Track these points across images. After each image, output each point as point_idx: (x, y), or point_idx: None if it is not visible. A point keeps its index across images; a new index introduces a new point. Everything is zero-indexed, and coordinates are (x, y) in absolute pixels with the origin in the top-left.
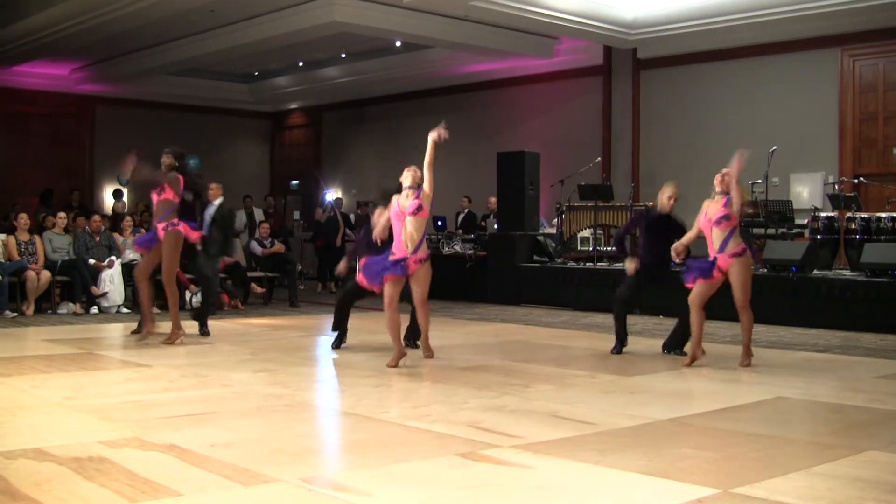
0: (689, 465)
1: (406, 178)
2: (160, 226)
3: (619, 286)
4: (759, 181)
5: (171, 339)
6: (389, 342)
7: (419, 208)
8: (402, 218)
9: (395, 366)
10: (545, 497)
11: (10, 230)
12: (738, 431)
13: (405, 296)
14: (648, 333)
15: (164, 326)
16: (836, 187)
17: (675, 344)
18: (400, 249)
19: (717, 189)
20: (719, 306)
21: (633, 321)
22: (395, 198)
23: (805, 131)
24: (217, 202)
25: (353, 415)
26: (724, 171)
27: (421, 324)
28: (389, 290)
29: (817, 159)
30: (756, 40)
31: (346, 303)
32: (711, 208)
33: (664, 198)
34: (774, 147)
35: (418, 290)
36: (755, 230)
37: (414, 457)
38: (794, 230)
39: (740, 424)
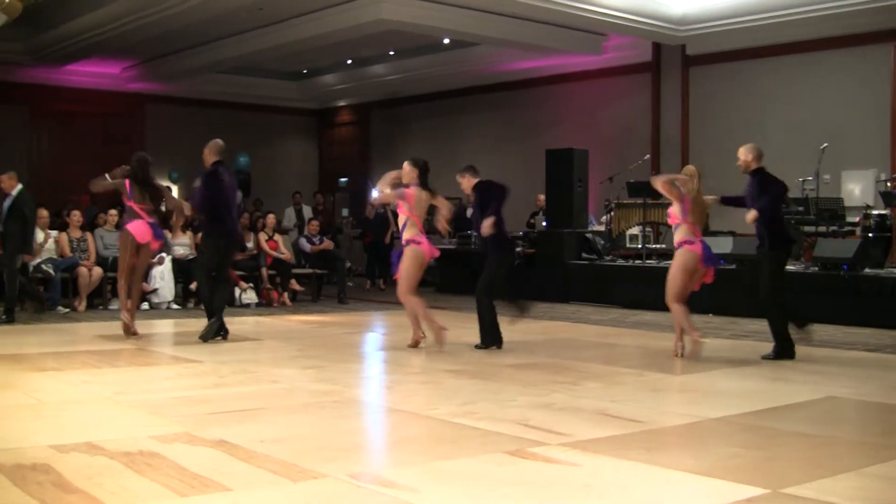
0: (737, 465)
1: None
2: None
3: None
4: (810, 178)
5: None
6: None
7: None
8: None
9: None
10: (592, 495)
11: (63, 227)
12: (787, 431)
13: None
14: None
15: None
16: (889, 184)
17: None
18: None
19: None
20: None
21: None
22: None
23: (856, 128)
24: (15, 192)
25: (400, 411)
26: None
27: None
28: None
29: (869, 156)
30: (806, 36)
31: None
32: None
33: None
34: (825, 144)
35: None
36: (805, 228)
37: (461, 454)
38: (846, 228)
39: (790, 424)
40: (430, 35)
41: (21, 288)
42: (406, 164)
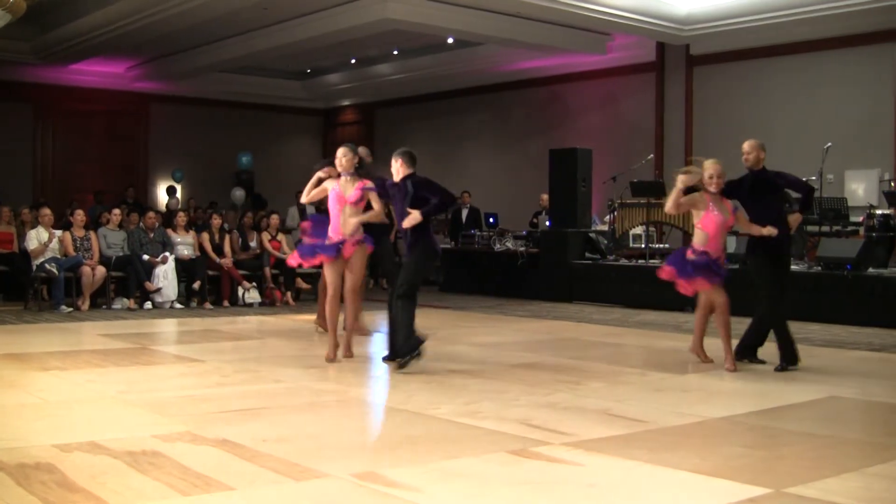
0: (741, 465)
1: (340, 163)
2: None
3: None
4: (814, 178)
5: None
6: (441, 338)
7: (360, 199)
8: (342, 203)
9: (333, 358)
10: (596, 495)
11: (67, 226)
12: (791, 431)
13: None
14: None
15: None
16: (893, 184)
17: (750, 350)
18: (337, 232)
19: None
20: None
21: (685, 319)
22: (332, 182)
23: (860, 127)
24: None
25: (404, 411)
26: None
27: (347, 314)
28: (331, 277)
29: (873, 156)
30: (811, 36)
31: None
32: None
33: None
34: (829, 144)
35: (351, 278)
36: (809, 227)
37: (465, 453)
38: (849, 228)
39: (794, 424)
40: (434, 34)
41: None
42: (344, 149)
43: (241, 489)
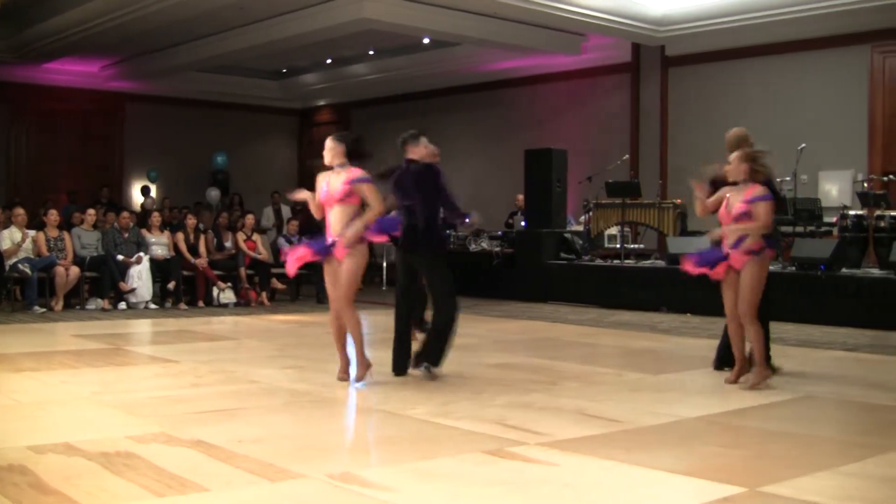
0: (716, 464)
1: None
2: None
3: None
4: (788, 179)
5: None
6: (418, 339)
7: (349, 195)
8: (329, 202)
9: (345, 378)
10: (571, 495)
11: (40, 226)
12: (766, 430)
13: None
14: (676, 332)
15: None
16: (866, 185)
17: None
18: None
19: (743, 176)
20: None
21: (660, 319)
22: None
23: (834, 129)
24: None
25: (380, 411)
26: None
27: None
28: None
29: (846, 157)
30: (785, 37)
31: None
32: (733, 199)
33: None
34: (803, 144)
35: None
36: (783, 228)
37: (440, 453)
38: (823, 228)
39: (768, 423)
40: (410, 35)
41: None
42: (330, 141)
43: (217, 490)
